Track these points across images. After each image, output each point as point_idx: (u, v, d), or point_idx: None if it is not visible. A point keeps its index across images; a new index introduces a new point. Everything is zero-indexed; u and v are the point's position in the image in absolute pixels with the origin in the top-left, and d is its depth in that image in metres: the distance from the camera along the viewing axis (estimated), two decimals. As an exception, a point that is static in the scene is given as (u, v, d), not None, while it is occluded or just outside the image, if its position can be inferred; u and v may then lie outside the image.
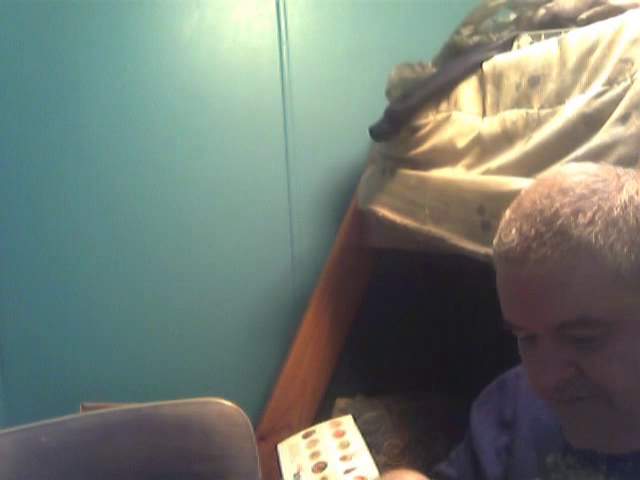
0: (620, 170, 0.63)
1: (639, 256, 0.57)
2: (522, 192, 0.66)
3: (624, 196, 0.59)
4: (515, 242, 0.60)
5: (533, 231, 0.59)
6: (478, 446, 0.81)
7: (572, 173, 0.63)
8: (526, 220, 0.60)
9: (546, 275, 0.58)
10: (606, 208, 0.58)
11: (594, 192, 0.59)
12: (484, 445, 0.80)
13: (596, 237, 0.57)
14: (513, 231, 0.61)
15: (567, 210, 0.58)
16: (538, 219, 0.59)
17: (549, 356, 0.60)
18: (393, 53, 1.55)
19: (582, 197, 0.59)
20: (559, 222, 0.58)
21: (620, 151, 0.82)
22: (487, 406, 0.83)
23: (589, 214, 0.58)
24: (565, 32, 1.01)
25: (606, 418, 0.61)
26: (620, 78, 0.85)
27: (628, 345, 0.58)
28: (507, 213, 0.65)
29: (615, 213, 0.58)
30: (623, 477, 0.64)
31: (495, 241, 0.64)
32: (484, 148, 1.12)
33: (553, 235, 0.58)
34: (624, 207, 0.58)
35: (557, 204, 0.59)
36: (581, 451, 0.67)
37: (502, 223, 0.64)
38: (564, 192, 0.60)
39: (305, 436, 1.29)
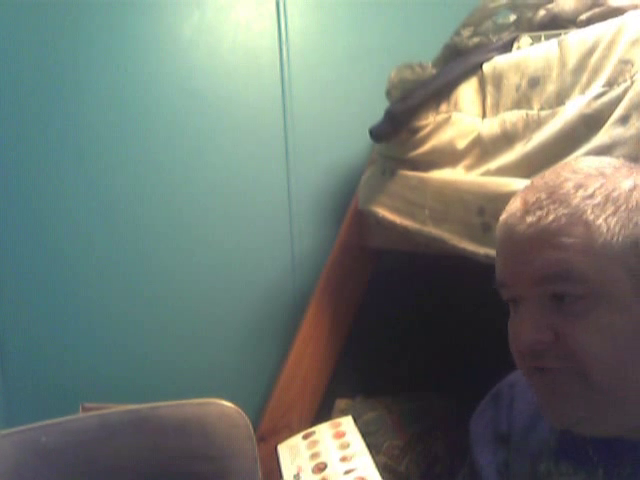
0: (634, 165, 0.65)
1: (635, 235, 0.59)
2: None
3: (630, 183, 0.61)
4: (517, 208, 0.64)
5: (534, 198, 0.62)
6: (479, 467, 0.79)
7: (586, 159, 0.67)
8: (532, 191, 0.64)
9: (539, 233, 0.61)
10: (609, 188, 0.60)
11: (602, 174, 0.62)
12: (485, 464, 0.79)
13: (592, 209, 0.59)
14: (518, 200, 0.64)
15: (571, 184, 0.61)
16: (542, 189, 0.63)
17: (529, 317, 0.62)
18: (393, 53, 1.55)
19: (589, 176, 0.62)
20: (560, 192, 0.61)
21: (620, 152, 0.82)
22: (483, 422, 0.82)
23: (590, 189, 0.60)
24: (565, 33, 1.01)
25: (581, 394, 0.61)
26: (620, 79, 0.85)
27: (610, 319, 0.59)
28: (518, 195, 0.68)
29: (616, 193, 0.60)
30: None
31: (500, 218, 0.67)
32: (484, 149, 1.12)
33: (552, 202, 0.61)
34: (628, 190, 0.60)
35: (563, 179, 0.62)
36: (575, 457, 0.66)
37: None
38: (574, 171, 0.63)
39: (305, 437, 1.29)
